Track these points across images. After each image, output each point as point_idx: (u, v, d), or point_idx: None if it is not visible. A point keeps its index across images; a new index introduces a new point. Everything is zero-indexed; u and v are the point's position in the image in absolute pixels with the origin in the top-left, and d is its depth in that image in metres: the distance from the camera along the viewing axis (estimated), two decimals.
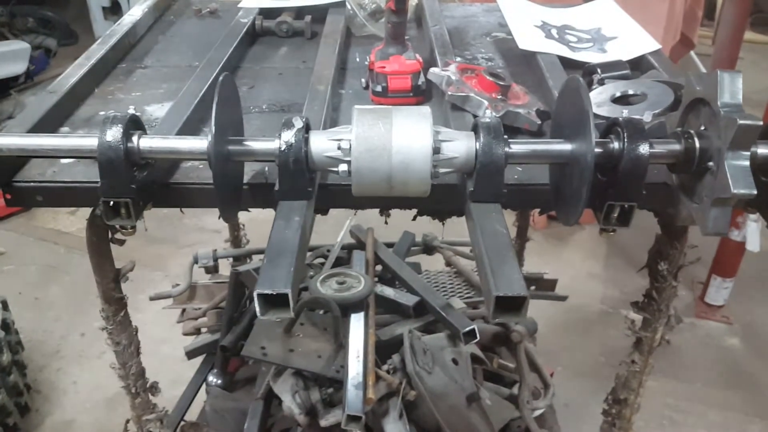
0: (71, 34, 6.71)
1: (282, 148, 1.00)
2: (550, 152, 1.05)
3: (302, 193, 1.03)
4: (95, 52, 1.57)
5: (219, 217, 1.15)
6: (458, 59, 1.57)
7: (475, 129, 1.03)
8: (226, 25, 1.80)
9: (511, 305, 0.85)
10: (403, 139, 0.99)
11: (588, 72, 1.49)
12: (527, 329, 2.10)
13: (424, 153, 0.98)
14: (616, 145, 1.00)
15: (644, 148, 0.99)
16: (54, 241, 4.09)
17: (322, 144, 1.02)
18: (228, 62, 1.55)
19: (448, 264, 2.52)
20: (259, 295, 0.85)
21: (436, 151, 0.99)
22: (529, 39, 1.63)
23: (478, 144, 1.01)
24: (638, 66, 1.58)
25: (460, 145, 1.02)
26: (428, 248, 2.54)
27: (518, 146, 1.03)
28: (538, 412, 2.08)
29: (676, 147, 1.03)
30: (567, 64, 1.54)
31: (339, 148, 1.00)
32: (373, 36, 1.79)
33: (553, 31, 1.71)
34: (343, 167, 1.00)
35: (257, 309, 0.86)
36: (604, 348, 3.23)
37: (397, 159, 0.98)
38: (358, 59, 1.69)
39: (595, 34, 1.73)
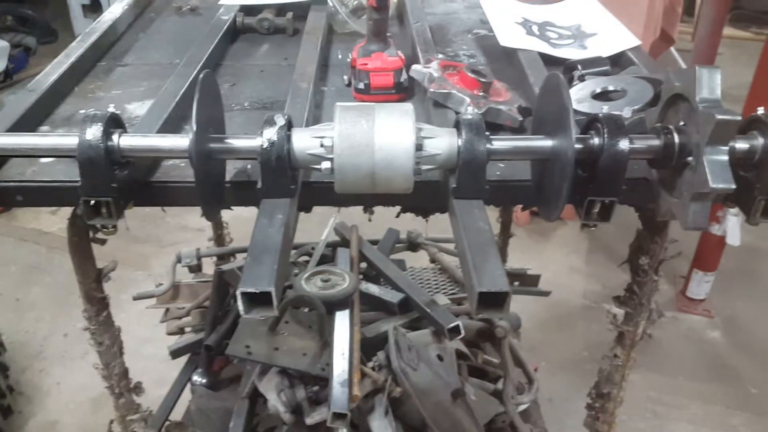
0: (51, 32, 6.65)
1: (264, 146, 1.00)
2: (531, 148, 1.05)
3: (285, 190, 1.03)
4: (75, 50, 1.55)
5: (201, 216, 1.14)
6: (440, 56, 1.57)
7: (457, 126, 1.03)
8: (207, 22, 1.79)
9: (494, 301, 0.85)
10: (386, 136, 0.99)
11: (568, 68, 1.50)
12: (511, 325, 2.12)
13: (407, 150, 0.99)
14: (596, 141, 1.01)
15: (624, 144, 1.00)
16: (35, 241, 4.06)
17: (304, 141, 1.01)
18: (209, 60, 1.54)
19: (433, 261, 2.53)
20: (242, 293, 0.85)
21: (419, 147, 1.00)
22: (510, 36, 1.63)
23: (460, 141, 1.01)
24: (618, 62, 1.59)
25: (443, 142, 1.02)
26: (413, 245, 2.55)
27: (500, 143, 1.03)
28: (522, 407, 2.10)
29: (656, 142, 1.04)
30: (548, 60, 1.54)
31: (322, 145, 1.00)
32: (355, 33, 1.79)
33: (534, 28, 1.71)
34: (326, 164, 1.00)
35: (240, 308, 0.86)
36: (587, 342, 3.26)
37: (380, 156, 0.98)
38: (340, 56, 1.69)
39: (576, 31, 1.74)
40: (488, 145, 1.01)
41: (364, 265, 2.25)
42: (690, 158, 1.02)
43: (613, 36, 1.69)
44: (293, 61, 1.57)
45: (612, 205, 1.03)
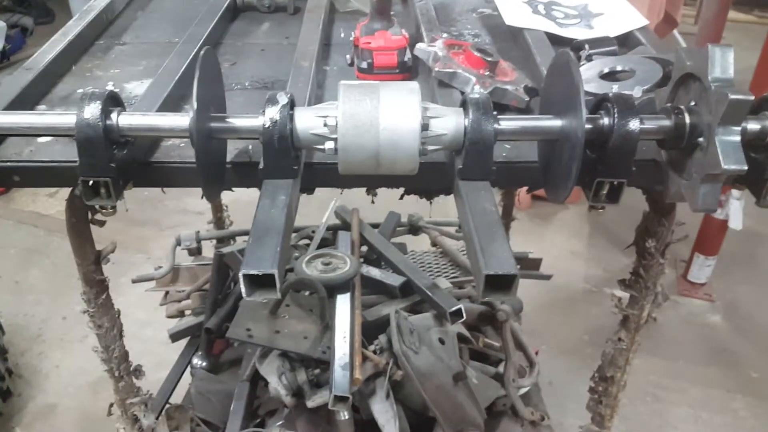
0: (48, 12, 6.59)
1: (266, 125, 0.97)
2: (540, 128, 1.03)
3: (287, 171, 1.01)
4: (72, 28, 1.52)
5: (201, 197, 1.12)
6: (445, 35, 1.54)
7: (464, 105, 1.01)
8: (207, 0, 1.75)
9: (501, 283, 0.84)
10: (391, 116, 0.96)
11: (575, 48, 1.47)
12: (513, 308, 2.10)
13: (413, 130, 0.96)
14: (606, 121, 0.99)
15: (634, 124, 0.98)
16: (33, 224, 4.04)
17: (307, 121, 0.99)
18: (209, 38, 1.51)
19: (434, 244, 2.51)
20: (244, 275, 0.83)
21: (425, 127, 0.97)
22: (515, 15, 1.60)
23: (466, 120, 0.99)
24: (625, 42, 1.56)
25: (449, 122, 0.99)
26: (414, 228, 2.53)
27: (507, 123, 1.01)
28: (523, 390, 2.09)
29: (666, 123, 1.02)
30: (554, 40, 1.51)
31: (325, 125, 0.97)
32: (357, 11, 1.76)
33: (540, 7, 1.68)
34: (329, 145, 0.98)
35: (243, 290, 0.84)
36: (588, 326, 3.26)
37: (385, 136, 0.96)
38: (342, 35, 1.66)
39: (582, 11, 1.71)
40: (496, 125, 0.98)
41: (365, 248, 2.24)
42: (701, 139, 0.99)
43: (621, 16, 1.66)
44: (294, 40, 1.54)
45: (621, 187, 1.01)
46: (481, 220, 0.92)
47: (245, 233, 2.55)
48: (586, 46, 1.46)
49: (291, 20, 1.75)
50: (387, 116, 0.96)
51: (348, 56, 1.51)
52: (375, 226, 2.43)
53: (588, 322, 3.28)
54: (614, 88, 1.21)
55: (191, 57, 1.37)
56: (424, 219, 2.54)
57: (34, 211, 4.15)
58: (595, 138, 0.99)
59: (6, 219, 4.10)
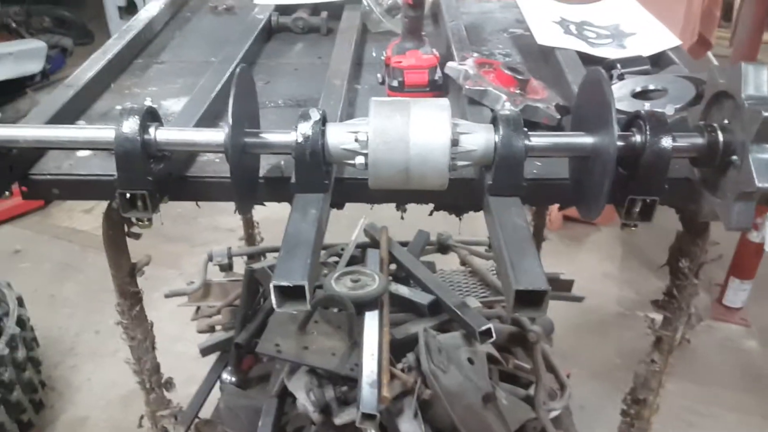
0: (87, 33, 6.76)
1: (299, 140, 0.99)
2: (571, 145, 1.03)
3: (318, 185, 1.02)
4: (112, 47, 1.57)
5: (234, 212, 1.15)
6: (475, 54, 1.56)
7: (494, 121, 1.02)
8: (242, 21, 1.80)
9: (532, 300, 0.83)
10: (421, 131, 0.97)
11: (607, 67, 1.47)
12: (544, 329, 2.08)
13: (443, 145, 0.97)
14: (638, 138, 0.99)
15: (667, 141, 0.97)
16: (69, 239, 4.12)
17: (339, 136, 1.01)
18: (244, 58, 1.54)
19: (463, 263, 2.50)
20: (275, 287, 0.85)
21: (455, 143, 0.98)
22: (547, 34, 1.61)
23: (497, 136, 0.99)
24: (658, 62, 1.56)
25: (479, 138, 1.00)
26: (443, 247, 2.53)
27: (538, 139, 1.01)
28: (554, 414, 2.06)
29: (699, 140, 1.01)
30: (585, 59, 1.52)
31: (356, 140, 0.99)
32: (389, 32, 1.78)
33: (572, 27, 1.69)
34: (360, 159, 0.99)
35: (274, 301, 0.86)
36: (620, 350, 3.20)
37: (415, 151, 0.97)
38: (374, 54, 1.68)
39: (614, 30, 1.71)
40: (526, 141, 0.99)
41: (393, 266, 2.24)
42: (734, 157, 0.99)
43: (653, 35, 1.66)
44: (327, 60, 1.57)
45: (654, 204, 1.00)
46: (511, 236, 0.92)
47: (276, 250, 2.57)
48: (618, 66, 1.46)
49: (324, 41, 1.78)
50: (417, 132, 0.97)
51: (379, 75, 1.53)
52: (404, 244, 2.43)
53: (620, 345, 3.23)
54: (646, 106, 1.21)
55: (227, 76, 1.40)
56: (453, 238, 2.54)
57: (69, 227, 4.24)
58: (627, 155, 0.99)
59: (42, 234, 4.19)
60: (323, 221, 1.00)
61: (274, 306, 0.85)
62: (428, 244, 2.50)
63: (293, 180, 1.02)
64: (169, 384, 1.59)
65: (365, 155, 0.99)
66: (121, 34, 1.64)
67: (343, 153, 1.00)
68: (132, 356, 1.47)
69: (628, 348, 3.14)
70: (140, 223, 1.07)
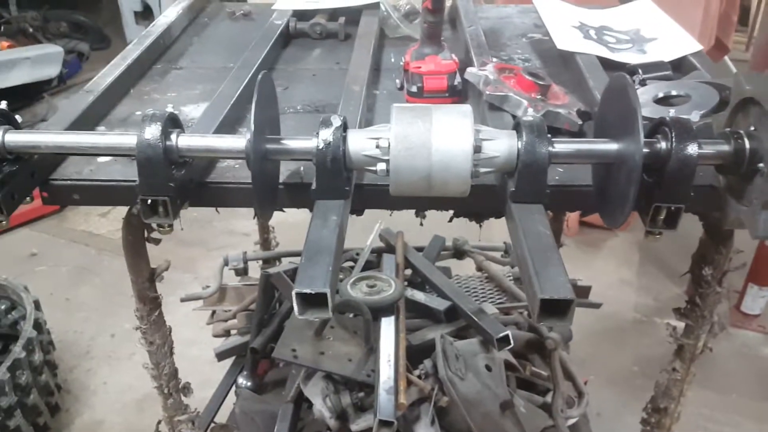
0: (104, 38, 6.82)
1: (320, 147, 0.98)
2: (595, 152, 1.02)
3: (339, 192, 1.01)
4: (131, 52, 1.57)
5: (254, 217, 1.14)
6: (494, 59, 1.55)
7: (517, 128, 1.01)
8: (260, 27, 1.80)
9: (557, 308, 0.82)
10: (443, 138, 0.97)
11: (629, 73, 1.45)
12: (562, 337, 2.07)
13: (465, 152, 0.96)
14: (663, 145, 0.97)
15: (693, 149, 0.96)
16: (85, 243, 4.14)
17: (360, 142, 1.00)
18: (263, 64, 1.54)
19: (479, 269, 2.48)
20: (297, 294, 0.84)
21: (477, 150, 0.97)
22: (567, 39, 1.60)
23: (520, 143, 0.98)
24: (679, 67, 1.54)
25: (502, 144, 0.99)
26: (459, 252, 2.51)
27: (562, 145, 1.00)
28: (571, 421, 2.04)
29: (725, 148, 1.00)
30: (606, 65, 1.51)
31: (377, 146, 0.98)
32: (407, 37, 1.78)
33: (591, 32, 1.68)
34: (381, 166, 0.99)
35: (295, 308, 0.85)
36: (638, 357, 3.17)
37: (437, 158, 0.96)
38: (393, 60, 1.67)
39: (634, 35, 1.69)
40: (550, 148, 0.98)
41: (409, 271, 2.23)
42: (761, 164, 0.97)
43: (674, 40, 1.64)
44: (345, 66, 1.56)
45: (679, 212, 0.99)
46: (535, 244, 0.91)
47: (291, 254, 2.57)
48: (640, 71, 1.45)
49: (342, 46, 1.78)
50: (439, 138, 0.97)
51: (398, 80, 1.52)
52: (420, 249, 2.42)
53: (638, 352, 3.20)
54: (671, 112, 1.20)
55: (246, 81, 1.40)
56: (469, 243, 2.53)
57: (86, 231, 4.26)
58: (653, 162, 0.98)
59: (59, 238, 4.21)
60: (344, 228, 0.99)
61: (296, 313, 0.85)
62: (444, 249, 2.49)
63: (314, 186, 1.01)
64: (186, 389, 1.59)
65: (386, 162, 0.98)
66: (139, 40, 1.65)
67: (365, 159, 1.00)
68: (150, 361, 1.47)
69: (646, 355, 3.12)
70: (161, 228, 1.07)
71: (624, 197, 0.95)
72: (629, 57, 1.57)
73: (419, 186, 0.99)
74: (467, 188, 1.00)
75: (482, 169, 0.99)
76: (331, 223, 0.97)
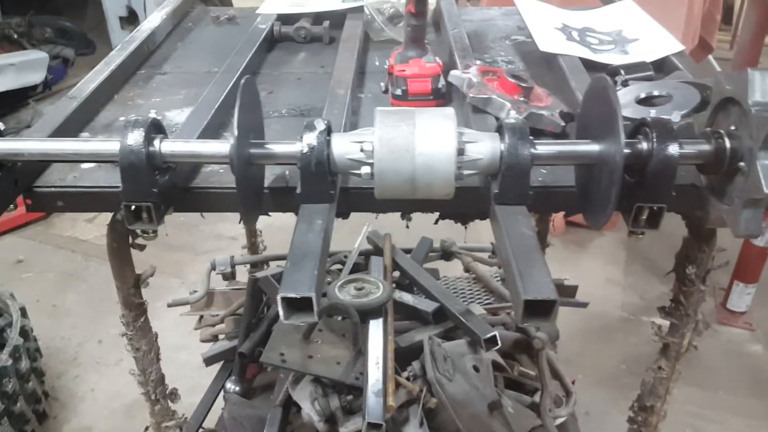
0: (89, 44, 6.78)
1: (304, 151, 0.99)
2: (577, 153, 1.03)
3: (324, 196, 1.02)
4: (114, 58, 1.57)
5: (239, 222, 1.14)
6: (478, 62, 1.56)
7: (500, 130, 1.01)
8: (245, 31, 1.80)
9: (540, 309, 0.83)
10: (427, 141, 0.97)
11: (611, 73, 1.47)
12: (549, 337, 2.07)
13: (449, 154, 0.97)
14: (644, 145, 0.98)
15: (674, 149, 0.97)
16: (71, 249, 4.12)
17: (344, 146, 1.00)
18: (247, 68, 1.54)
19: (467, 270, 2.49)
20: (282, 298, 0.84)
21: (461, 152, 0.98)
22: (550, 41, 1.61)
23: (503, 145, 0.99)
24: (662, 67, 1.56)
25: (485, 147, 1.00)
26: (446, 254, 2.52)
27: (544, 147, 1.01)
28: (559, 420, 2.05)
29: (706, 147, 1.01)
30: (588, 66, 1.52)
31: (362, 150, 0.99)
32: (391, 41, 1.78)
33: (574, 34, 1.69)
34: (365, 169, 0.99)
35: (281, 313, 0.85)
36: (625, 355, 3.19)
37: (421, 160, 0.97)
38: (377, 63, 1.68)
39: (617, 36, 1.71)
40: (532, 150, 0.98)
41: (397, 273, 2.23)
42: (742, 163, 0.98)
43: (656, 41, 1.66)
44: (330, 69, 1.57)
45: (661, 212, 1.00)
46: (518, 245, 0.91)
47: (279, 258, 2.57)
48: (622, 72, 1.46)
49: (326, 50, 1.78)
50: (423, 141, 0.97)
51: (382, 84, 1.53)
52: (407, 251, 2.42)
53: (625, 351, 3.22)
54: (652, 113, 1.21)
55: (230, 86, 1.40)
56: (457, 244, 2.53)
57: (72, 236, 4.24)
58: (634, 163, 0.99)
59: (45, 244, 4.19)
60: (329, 232, 1.00)
61: (282, 318, 0.85)
62: (432, 251, 2.50)
63: (299, 190, 1.02)
64: (173, 395, 1.58)
65: (371, 165, 0.98)
66: (123, 45, 1.65)
67: (349, 163, 1.00)
68: (137, 367, 1.47)
69: (633, 353, 3.14)
70: (145, 234, 1.07)
71: (606, 198, 0.96)
72: (611, 58, 1.58)
73: (404, 189, 1.00)
74: (452, 190, 1.00)
75: (466, 171, 1.00)
76: (316, 227, 0.97)
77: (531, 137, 0.99)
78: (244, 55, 1.58)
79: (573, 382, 2.18)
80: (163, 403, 1.54)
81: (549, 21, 1.73)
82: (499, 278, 2.43)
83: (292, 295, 0.83)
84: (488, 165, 1.00)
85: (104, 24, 6.50)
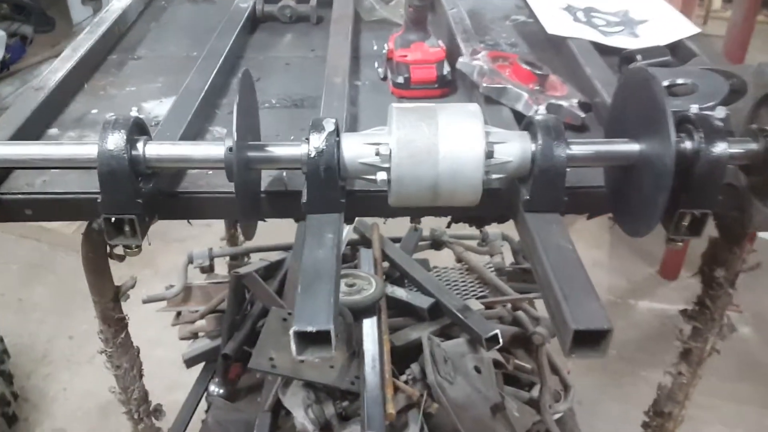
0: (48, 20, 6.45)
1: (311, 155, 0.87)
2: (615, 153, 0.92)
3: (334, 205, 0.90)
4: (83, 42, 1.41)
5: (232, 230, 1.02)
6: (482, 44, 1.44)
7: (530, 128, 0.91)
8: (224, 10, 1.65)
9: (590, 339, 0.73)
10: (452, 143, 0.86)
11: (626, 59, 1.37)
12: (549, 331, 2.00)
13: (476, 158, 0.86)
14: (689, 144, 0.88)
15: (723, 149, 0.87)
16: (36, 238, 3.91)
17: (356, 149, 0.88)
18: (230, 52, 1.40)
19: (459, 260, 2.40)
20: (296, 332, 0.73)
21: (489, 155, 0.87)
22: (557, 23, 1.50)
23: (534, 145, 0.88)
24: (675, 52, 1.46)
25: (514, 148, 0.89)
26: (437, 243, 2.43)
27: (579, 147, 0.90)
28: (558, 415, 1.99)
29: (754, 147, 0.92)
30: (599, 50, 1.41)
31: (377, 153, 0.87)
32: (383, 21, 1.66)
33: (580, 14, 1.58)
34: (381, 175, 0.87)
35: (293, 348, 0.74)
36: (614, 340, 3.09)
37: (445, 165, 0.86)
38: (375, 47, 1.55)
39: (624, 17, 1.60)
40: (568, 150, 0.88)
41: (386, 264, 2.13)
42: None
43: (667, 23, 1.56)
44: (320, 53, 1.44)
45: (705, 218, 0.91)
46: (558, 262, 0.81)
47: (260, 250, 2.44)
48: (639, 57, 1.36)
49: (315, 31, 1.65)
50: (447, 143, 0.86)
51: (380, 69, 1.40)
52: (396, 240, 2.32)
53: (614, 335, 3.16)
54: (675, 104, 1.10)
55: (214, 74, 1.27)
56: (447, 233, 2.44)
57: (36, 225, 4.03)
58: (678, 164, 0.88)
59: (8, 233, 3.97)
60: (341, 246, 0.88)
61: (294, 354, 0.74)
62: (421, 239, 2.40)
63: (305, 199, 0.90)
64: (158, 412, 1.46)
65: (387, 170, 0.87)
66: (91, 28, 1.49)
67: (362, 168, 0.88)
68: (117, 386, 1.34)
69: (623, 338, 3.09)
70: (128, 250, 0.94)
71: (650, 204, 0.86)
72: (622, 41, 1.48)
73: (423, 196, 0.89)
74: (477, 197, 0.89)
75: (494, 176, 0.89)
76: (327, 241, 0.85)
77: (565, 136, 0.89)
78: (225, 38, 1.44)
79: (568, 373, 2.12)
80: (147, 422, 1.42)
81: (552, 0, 1.62)
82: (492, 268, 2.34)
83: (309, 329, 0.72)
84: (518, 168, 0.89)
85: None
